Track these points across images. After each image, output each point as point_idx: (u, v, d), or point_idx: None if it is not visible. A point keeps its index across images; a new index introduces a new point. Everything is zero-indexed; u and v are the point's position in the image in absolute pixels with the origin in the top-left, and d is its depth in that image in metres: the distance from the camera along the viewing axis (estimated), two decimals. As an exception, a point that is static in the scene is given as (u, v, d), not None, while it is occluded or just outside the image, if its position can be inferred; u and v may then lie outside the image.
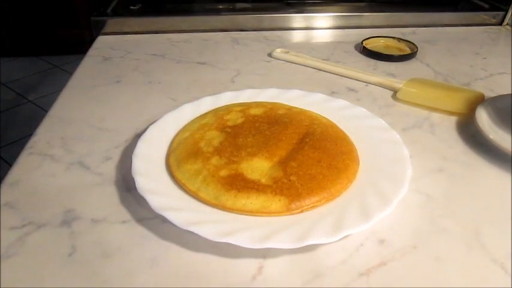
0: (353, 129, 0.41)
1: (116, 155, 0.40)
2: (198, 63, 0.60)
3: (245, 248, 0.28)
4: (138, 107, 0.48)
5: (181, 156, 0.36)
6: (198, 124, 0.41)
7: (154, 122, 0.41)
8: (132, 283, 0.28)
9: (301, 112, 0.43)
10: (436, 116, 0.48)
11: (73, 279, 0.28)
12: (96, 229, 0.32)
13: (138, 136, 0.42)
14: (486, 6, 0.81)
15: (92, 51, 0.63)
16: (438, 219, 0.33)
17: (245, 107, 0.43)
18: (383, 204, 0.31)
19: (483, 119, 0.43)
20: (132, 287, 0.27)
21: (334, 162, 0.35)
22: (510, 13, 0.77)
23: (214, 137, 0.39)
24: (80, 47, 0.67)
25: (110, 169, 0.38)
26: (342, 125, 0.42)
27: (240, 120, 0.41)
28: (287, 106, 0.44)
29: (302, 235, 0.29)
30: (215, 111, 0.44)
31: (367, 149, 0.39)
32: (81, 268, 0.29)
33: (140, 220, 0.33)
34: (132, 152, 0.36)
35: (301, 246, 0.28)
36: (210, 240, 0.28)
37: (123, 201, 0.34)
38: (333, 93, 0.52)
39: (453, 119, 0.47)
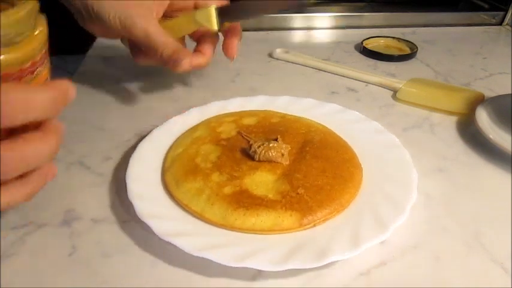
0: (348, 134, 0.40)
1: (116, 155, 0.40)
2: (198, 63, 0.59)
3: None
4: (138, 107, 0.48)
5: (179, 175, 0.34)
6: (191, 138, 0.39)
7: (144, 137, 0.39)
8: (132, 283, 0.28)
9: (296, 120, 0.41)
10: (436, 116, 0.48)
11: (73, 279, 0.28)
12: (96, 229, 0.32)
13: (138, 136, 0.42)
14: (486, 6, 0.81)
15: (92, 51, 0.63)
16: (438, 219, 0.33)
17: (237, 117, 0.41)
18: (396, 212, 0.31)
19: (483, 119, 0.43)
20: (132, 287, 0.28)
21: (339, 171, 0.34)
22: (510, 13, 0.77)
23: (210, 151, 0.36)
24: (80, 47, 0.66)
25: (110, 169, 0.38)
26: (336, 130, 0.40)
27: (233, 132, 0.39)
28: (280, 114, 0.42)
29: (322, 252, 0.27)
30: (206, 123, 0.41)
31: (366, 154, 0.38)
32: (81, 268, 0.29)
33: (140, 220, 0.32)
34: (132, 152, 0.37)
35: (323, 264, 0.27)
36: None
37: (123, 201, 0.34)
38: (333, 93, 0.52)
39: (453, 119, 0.47)
